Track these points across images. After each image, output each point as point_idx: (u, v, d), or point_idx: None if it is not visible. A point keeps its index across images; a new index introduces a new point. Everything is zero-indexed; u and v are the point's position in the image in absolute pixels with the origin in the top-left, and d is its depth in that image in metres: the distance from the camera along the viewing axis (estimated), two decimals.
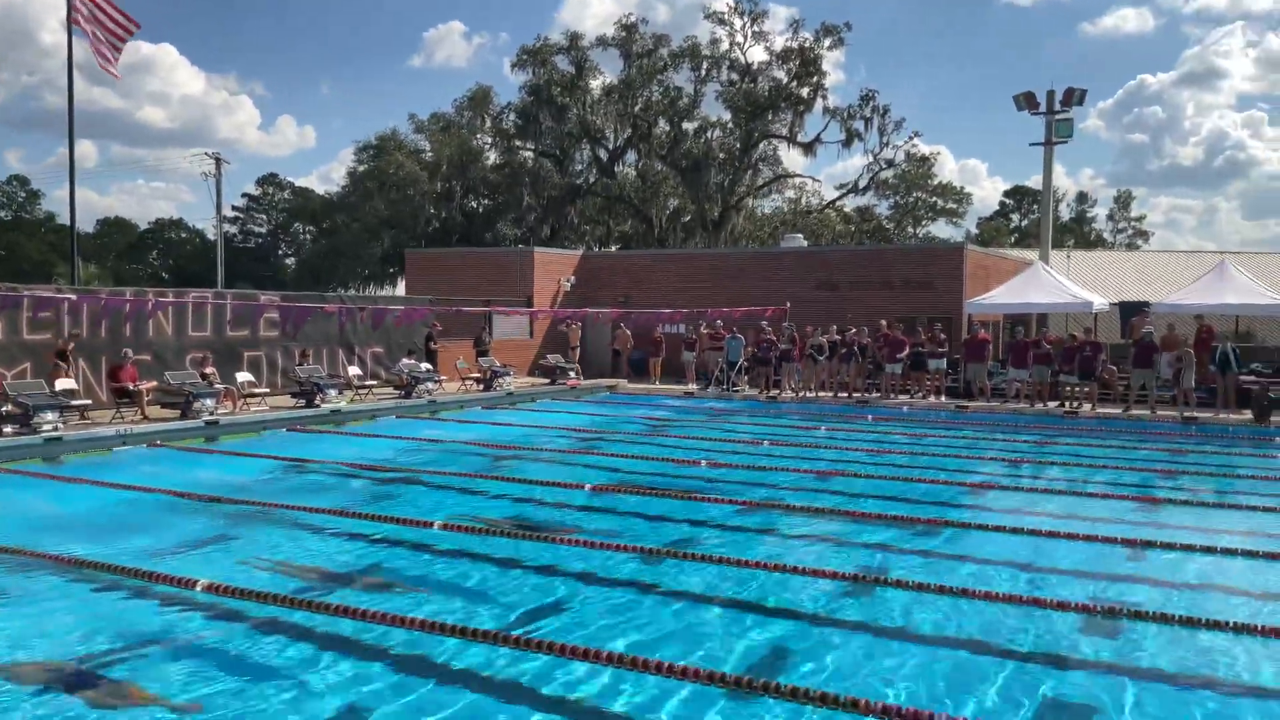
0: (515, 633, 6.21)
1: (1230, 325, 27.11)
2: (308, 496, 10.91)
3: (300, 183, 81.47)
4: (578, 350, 27.12)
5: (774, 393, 23.98)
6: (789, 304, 26.03)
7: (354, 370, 21.95)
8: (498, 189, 52.80)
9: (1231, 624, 6.45)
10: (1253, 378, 22.02)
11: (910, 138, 51.53)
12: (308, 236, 69.16)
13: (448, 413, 19.77)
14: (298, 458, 13.49)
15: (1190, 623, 6.54)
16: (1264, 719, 5.25)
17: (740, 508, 10.67)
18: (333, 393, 19.18)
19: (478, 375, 23.44)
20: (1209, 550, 8.62)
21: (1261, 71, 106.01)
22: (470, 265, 31.05)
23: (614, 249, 51.10)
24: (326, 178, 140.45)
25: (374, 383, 21.95)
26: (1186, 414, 19.94)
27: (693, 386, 25.25)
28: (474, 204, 55.15)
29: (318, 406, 18.45)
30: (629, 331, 27.34)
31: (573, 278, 30.79)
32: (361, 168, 56.10)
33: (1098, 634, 6.52)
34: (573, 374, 25.99)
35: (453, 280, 29.34)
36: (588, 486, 11.64)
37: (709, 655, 6.08)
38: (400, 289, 45.36)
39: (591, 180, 52.10)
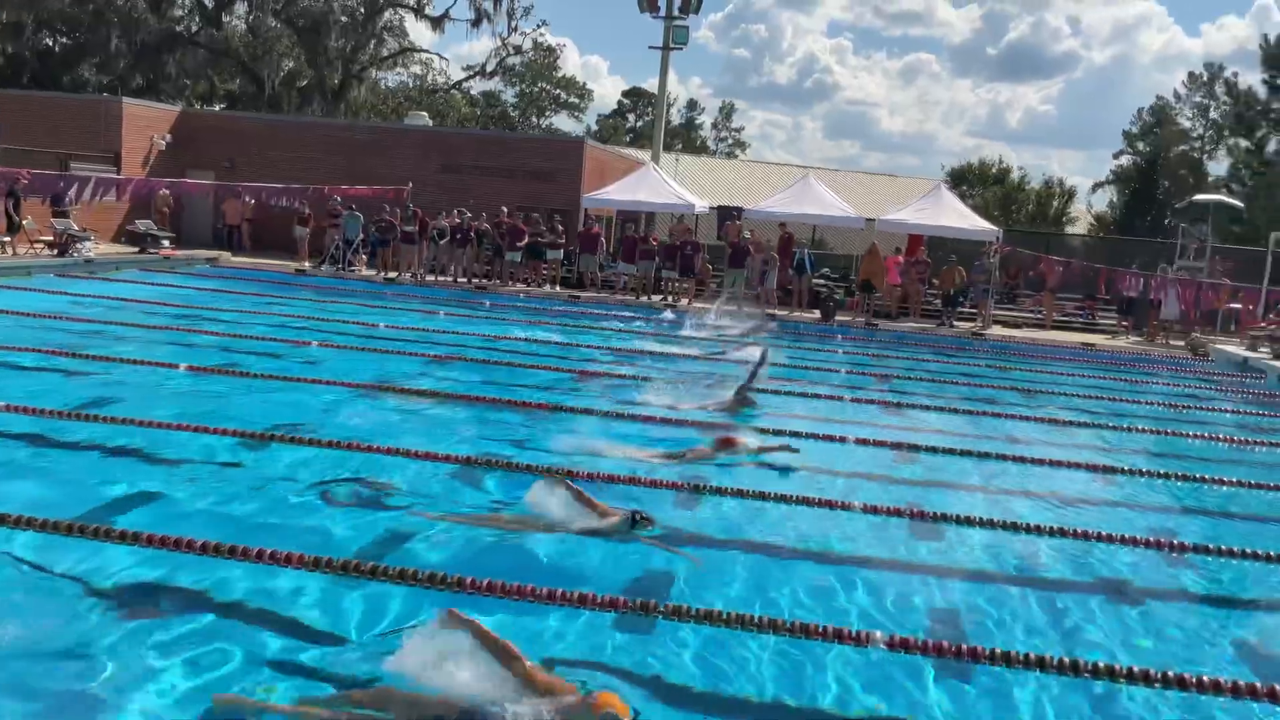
0: (97, 524, 5.70)
1: (808, 233, 30.22)
2: None
3: None
4: (165, 216, 24.73)
5: (392, 274, 23.50)
6: (411, 184, 25.41)
7: None
8: (79, 27, 46.15)
9: (794, 496, 7.34)
10: (823, 281, 24.83)
11: (538, 26, 51.69)
12: None
13: (11, 279, 17.38)
14: None
15: (761, 495, 7.35)
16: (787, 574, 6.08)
17: (354, 390, 10.44)
18: None
19: (50, 239, 20.75)
20: (779, 433, 9.66)
21: (850, 1, 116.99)
22: (43, 111, 27.02)
23: (219, 109, 46.78)
24: None
25: None
26: (768, 311, 22.12)
27: (305, 264, 24.08)
28: (49, 41, 47.88)
29: None
30: (242, 201, 25.36)
31: (169, 136, 27.89)
32: None
33: (685, 508, 7.16)
34: (167, 243, 23.79)
35: (21, 127, 25.45)
36: (183, 366, 10.82)
37: (315, 540, 5.95)
38: None
39: (194, 29, 47.02)
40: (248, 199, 24.76)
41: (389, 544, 6.08)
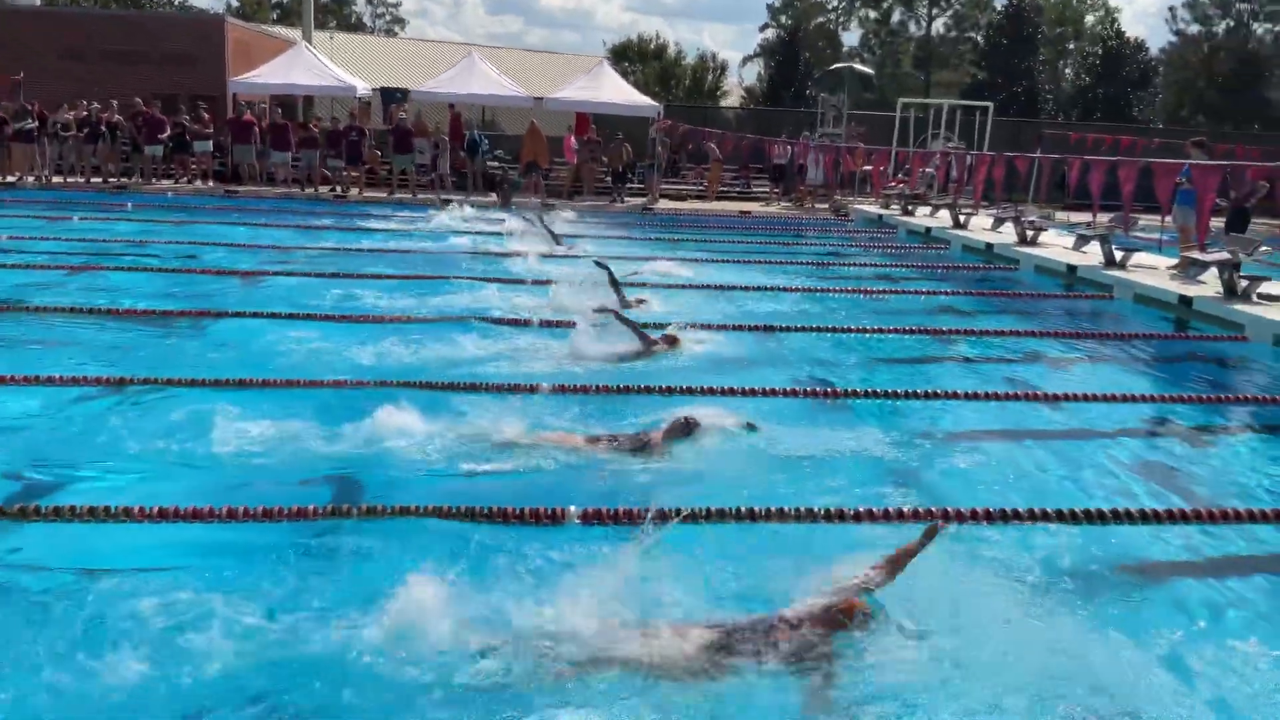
0: None
1: (478, 114, 29.71)
2: None
3: None
4: None
5: (11, 178, 20.75)
6: (23, 73, 22.29)
7: None
8: None
9: (482, 384, 7.34)
10: (497, 164, 24.62)
11: None
12: None
13: None
14: None
15: (448, 386, 7.28)
16: None
17: None
18: None
19: None
20: (483, 320, 9.52)
21: None
22: None
23: None
24: None
25: None
26: (443, 197, 21.68)
27: None
28: None
29: None
30: None
31: None
32: None
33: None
34: None
35: None
36: None
37: None
38: None
39: None
40: None
41: (38, 485, 5.51)
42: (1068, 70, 56.00)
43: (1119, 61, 47.16)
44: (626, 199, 23.72)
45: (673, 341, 8.53)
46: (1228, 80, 46.53)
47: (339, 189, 22.24)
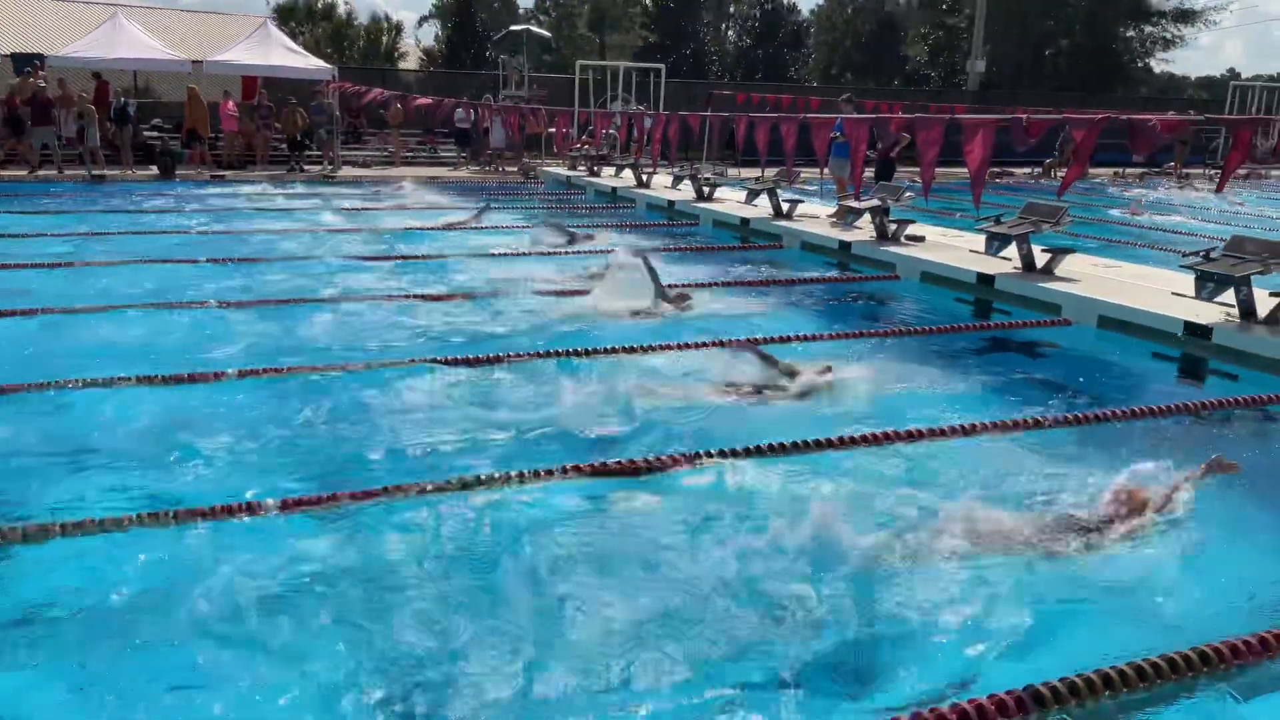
0: None
1: (129, 80, 27.18)
2: None
3: None
4: None
5: None
6: None
7: None
8: None
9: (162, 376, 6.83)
10: (156, 133, 22.74)
11: None
12: None
13: None
14: None
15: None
16: None
17: None
18: None
19: None
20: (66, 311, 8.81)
21: None
22: None
23: None
24: None
25: None
26: (95, 172, 19.79)
27: None
28: None
29: None
30: None
31: None
32: None
33: None
34: None
35: None
36: None
37: None
38: None
39: None
40: None
41: None
42: (730, 32, 59.14)
43: (775, 24, 50.40)
44: (306, 168, 22.66)
45: (684, 299, 9.50)
46: (869, 40, 50.98)
47: None
